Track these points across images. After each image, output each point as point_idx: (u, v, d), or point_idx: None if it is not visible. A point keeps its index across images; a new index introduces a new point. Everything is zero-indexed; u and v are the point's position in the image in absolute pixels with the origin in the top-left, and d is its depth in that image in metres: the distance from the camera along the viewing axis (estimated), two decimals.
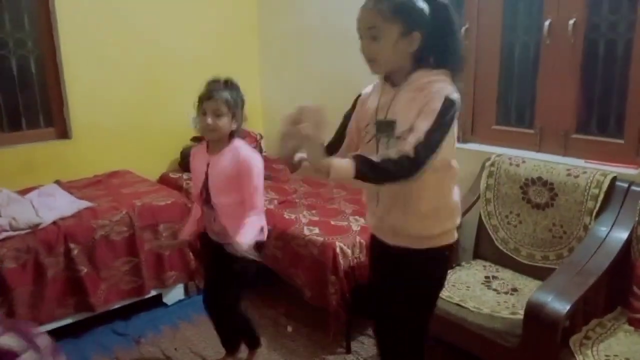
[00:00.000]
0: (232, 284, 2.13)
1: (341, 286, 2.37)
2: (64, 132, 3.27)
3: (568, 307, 1.75)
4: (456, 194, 1.58)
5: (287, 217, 2.70)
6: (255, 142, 3.84)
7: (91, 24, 3.24)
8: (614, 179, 2.20)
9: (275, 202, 2.96)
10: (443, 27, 1.42)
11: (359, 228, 2.54)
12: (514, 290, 2.25)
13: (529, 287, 2.22)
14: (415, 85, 1.43)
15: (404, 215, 1.51)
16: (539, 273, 2.28)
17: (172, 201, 2.85)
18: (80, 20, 3.19)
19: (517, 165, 2.46)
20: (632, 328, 1.95)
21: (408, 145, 1.30)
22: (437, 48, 1.44)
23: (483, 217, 2.55)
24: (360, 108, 1.61)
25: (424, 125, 1.33)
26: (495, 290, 2.26)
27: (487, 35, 2.75)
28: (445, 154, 1.40)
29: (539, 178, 2.36)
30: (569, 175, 2.29)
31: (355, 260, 2.40)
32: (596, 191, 2.19)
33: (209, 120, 1.97)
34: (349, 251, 2.39)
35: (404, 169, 1.29)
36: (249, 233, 1.92)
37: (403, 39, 1.40)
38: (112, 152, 3.41)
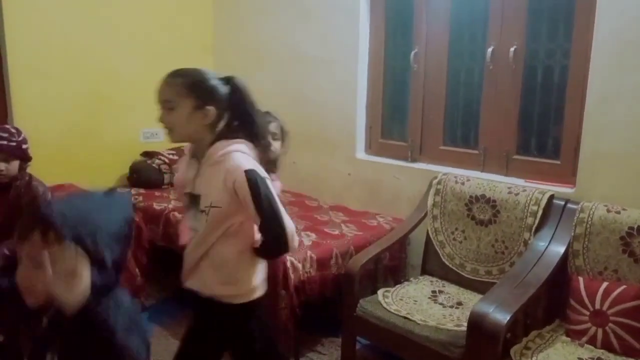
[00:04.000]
0: None
1: (291, 301, 2.36)
2: None
3: (509, 317, 1.81)
4: None
5: None
6: None
7: (39, 38, 3.17)
8: (552, 196, 2.32)
9: None
10: (239, 103, 1.60)
11: (310, 243, 2.55)
12: (459, 304, 2.31)
13: (473, 301, 2.27)
14: (214, 160, 1.56)
15: None
16: (482, 287, 2.34)
17: None
18: (28, 34, 3.12)
19: (463, 184, 2.55)
20: (569, 339, 2.03)
21: None
22: (235, 121, 1.61)
23: (430, 234, 2.61)
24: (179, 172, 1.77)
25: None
26: (441, 304, 2.31)
27: (434, 60, 2.87)
28: None
29: (483, 196, 2.46)
30: (510, 193, 2.39)
31: (305, 275, 2.41)
32: (535, 208, 2.30)
33: None
34: (299, 265, 2.39)
35: None
36: None
37: (197, 112, 1.54)
38: (57, 166, 3.30)
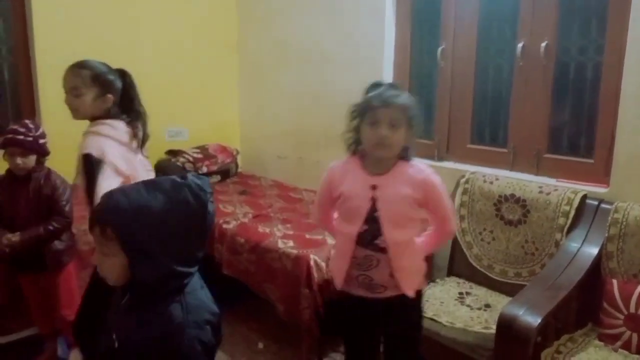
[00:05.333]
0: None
1: (314, 300, 2.33)
2: None
3: (540, 320, 1.75)
4: None
5: (261, 230, 2.67)
6: (232, 158, 3.82)
7: (66, 38, 3.18)
8: (585, 196, 2.25)
9: (250, 215, 2.93)
10: (128, 93, 2.00)
11: (334, 242, 2.51)
12: (487, 306, 2.26)
13: (502, 304, 2.21)
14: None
15: None
16: (511, 290, 2.28)
17: None
18: (56, 35, 3.15)
19: (491, 183, 2.49)
20: (602, 343, 1.96)
21: None
22: (122, 106, 1.99)
23: (457, 234, 2.55)
24: None
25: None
26: (468, 306, 2.26)
27: (462, 57, 2.81)
28: None
29: (512, 195, 2.39)
30: (541, 192, 2.33)
31: (329, 274, 2.38)
32: (567, 208, 2.23)
33: (384, 131, 1.58)
34: (323, 264, 2.36)
35: None
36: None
37: (99, 99, 1.91)
38: None
